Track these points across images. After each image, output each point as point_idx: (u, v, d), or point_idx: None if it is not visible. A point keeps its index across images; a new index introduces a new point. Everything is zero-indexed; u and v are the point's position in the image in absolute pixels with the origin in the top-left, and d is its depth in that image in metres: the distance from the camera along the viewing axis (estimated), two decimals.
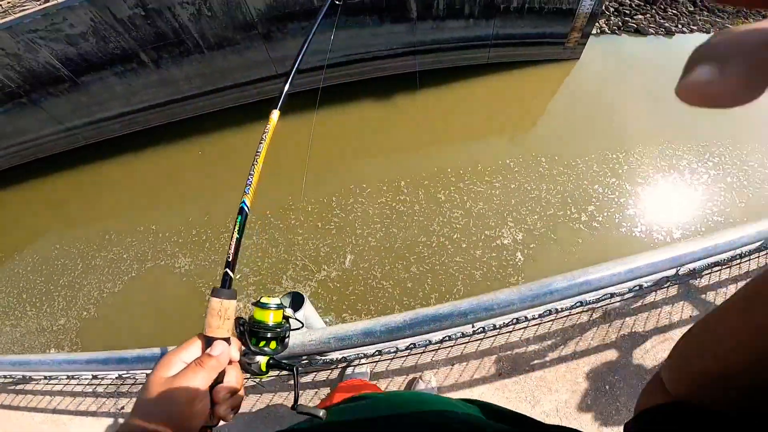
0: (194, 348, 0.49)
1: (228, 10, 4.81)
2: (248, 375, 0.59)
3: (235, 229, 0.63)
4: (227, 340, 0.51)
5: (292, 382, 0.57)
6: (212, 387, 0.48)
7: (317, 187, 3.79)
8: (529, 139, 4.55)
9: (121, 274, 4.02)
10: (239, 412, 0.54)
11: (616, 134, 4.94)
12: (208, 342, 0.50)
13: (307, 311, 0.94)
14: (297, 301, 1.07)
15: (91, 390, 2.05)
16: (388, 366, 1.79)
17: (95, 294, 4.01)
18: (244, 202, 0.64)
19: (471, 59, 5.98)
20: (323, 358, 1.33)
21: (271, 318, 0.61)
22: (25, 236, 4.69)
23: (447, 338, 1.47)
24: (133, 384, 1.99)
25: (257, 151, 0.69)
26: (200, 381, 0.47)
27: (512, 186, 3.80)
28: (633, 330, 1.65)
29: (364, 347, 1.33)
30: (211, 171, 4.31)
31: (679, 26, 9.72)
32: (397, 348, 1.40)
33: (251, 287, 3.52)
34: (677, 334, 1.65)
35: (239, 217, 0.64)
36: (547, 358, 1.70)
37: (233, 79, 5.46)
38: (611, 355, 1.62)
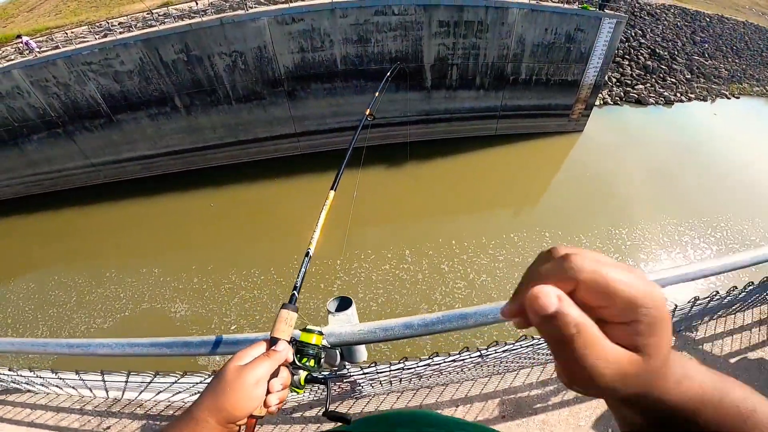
0: (261, 347, 0.60)
1: (260, 65, 5.19)
2: (291, 387, 0.70)
3: (302, 265, 0.88)
4: (288, 342, 0.64)
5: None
6: (270, 378, 0.58)
7: (321, 248, 3.84)
8: (533, 213, 4.65)
9: (114, 311, 4.00)
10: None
11: (620, 209, 5.02)
12: (273, 342, 0.62)
13: (352, 311, 1.09)
14: (345, 304, 1.20)
15: (78, 407, 1.98)
16: (393, 404, 1.80)
17: (82, 328, 3.96)
18: (309, 248, 0.94)
19: (481, 130, 6.28)
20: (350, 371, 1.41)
21: (314, 340, 0.75)
22: (26, 263, 4.75)
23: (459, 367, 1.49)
24: (126, 405, 1.93)
25: (316, 224, 1.02)
26: (266, 368, 0.57)
27: (516, 260, 3.83)
28: None
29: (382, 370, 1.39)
30: (220, 223, 4.42)
31: (678, 95, 10.21)
32: (415, 368, 1.40)
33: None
34: None
35: (305, 259, 0.90)
36: (550, 402, 1.68)
37: (255, 134, 5.76)
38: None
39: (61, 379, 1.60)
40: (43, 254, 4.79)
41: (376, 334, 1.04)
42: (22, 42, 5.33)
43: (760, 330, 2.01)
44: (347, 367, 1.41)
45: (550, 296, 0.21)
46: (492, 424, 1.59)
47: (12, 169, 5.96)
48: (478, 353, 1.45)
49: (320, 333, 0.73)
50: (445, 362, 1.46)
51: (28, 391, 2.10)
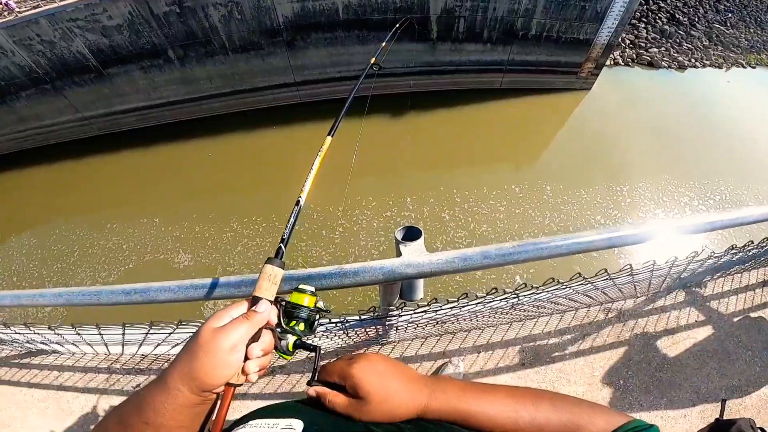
0: (242, 306, 0.55)
1: (258, 14, 4.93)
2: (277, 352, 0.64)
3: (291, 215, 0.76)
4: (271, 302, 0.58)
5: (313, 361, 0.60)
6: (250, 343, 0.54)
7: (324, 196, 3.82)
8: (536, 167, 4.59)
9: (118, 264, 4.03)
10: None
11: (622, 167, 4.97)
12: (254, 301, 0.56)
13: (421, 242, 1.06)
14: (412, 234, 1.12)
15: (105, 366, 2.05)
16: (417, 351, 1.84)
17: (87, 282, 4.01)
18: (300, 197, 0.81)
19: (485, 83, 6.06)
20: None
21: (306, 301, 0.66)
22: (26, 219, 4.75)
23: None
24: (154, 361, 2.00)
25: (311, 169, 0.88)
26: (244, 331, 0.52)
27: (517, 211, 3.83)
28: (645, 330, 1.78)
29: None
30: (219, 171, 4.36)
31: (692, 60, 9.82)
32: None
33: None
34: (683, 336, 1.78)
35: (296, 208, 0.78)
36: (567, 352, 1.81)
37: (252, 83, 5.56)
38: (625, 352, 1.74)
39: (79, 335, 1.59)
40: (41, 209, 4.76)
41: (455, 263, 0.95)
42: (1, 4, 5.00)
43: (763, 291, 2.07)
44: (404, 305, 1.37)
45: (322, 391, 0.49)
46: (512, 371, 1.74)
47: (2, 126, 5.80)
48: (516, 296, 1.46)
49: (313, 293, 0.65)
50: (494, 301, 1.46)
51: (54, 351, 2.11)
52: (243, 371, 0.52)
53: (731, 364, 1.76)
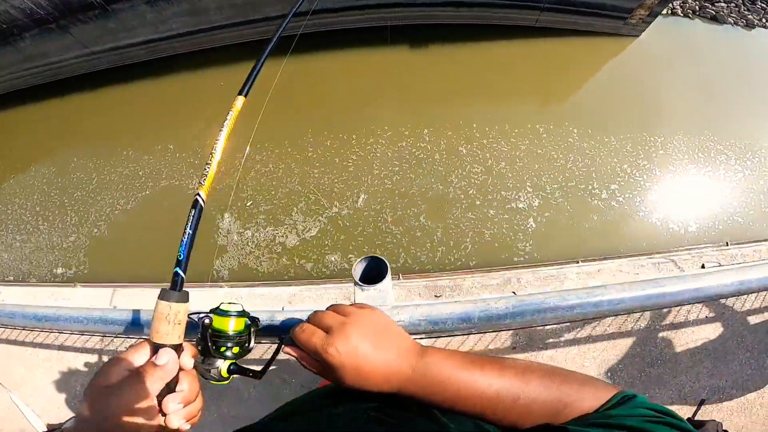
0: (140, 354, 0.45)
1: None
2: (209, 380, 0.55)
3: (188, 225, 0.57)
4: (178, 347, 0.47)
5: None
6: (162, 396, 0.44)
7: (339, 123, 3.67)
8: (564, 108, 4.27)
9: (135, 190, 4.08)
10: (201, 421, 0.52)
11: (660, 118, 4.60)
12: (155, 348, 0.46)
13: (387, 284, 0.80)
14: (375, 269, 0.84)
15: None
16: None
17: (107, 210, 4.08)
18: (199, 194, 0.58)
19: (518, 20, 5.46)
20: None
21: (231, 326, 0.55)
22: (43, 150, 4.82)
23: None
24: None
25: (216, 140, 0.62)
26: (142, 392, 0.43)
27: (538, 151, 3.62)
28: (649, 323, 1.68)
29: None
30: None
31: (763, 20, 8.66)
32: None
33: (261, 215, 3.54)
34: (688, 332, 1.69)
35: (192, 212, 0.58)
36: (562, 339, 1.75)
37: (264, 13, 5.16)
38: (623, 344, 1.67)
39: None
40: (58, 139, 4.80)
41: (420, 326, 0.76)
42: None
43: None
44: None
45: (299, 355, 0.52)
46: (502, 353, 1.67)
47: (8, 65, 5.67)
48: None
49: (241, 314, 0.55)
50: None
51: None
52: (167, 426, 0.44)
53: (725, 365, 1.67)
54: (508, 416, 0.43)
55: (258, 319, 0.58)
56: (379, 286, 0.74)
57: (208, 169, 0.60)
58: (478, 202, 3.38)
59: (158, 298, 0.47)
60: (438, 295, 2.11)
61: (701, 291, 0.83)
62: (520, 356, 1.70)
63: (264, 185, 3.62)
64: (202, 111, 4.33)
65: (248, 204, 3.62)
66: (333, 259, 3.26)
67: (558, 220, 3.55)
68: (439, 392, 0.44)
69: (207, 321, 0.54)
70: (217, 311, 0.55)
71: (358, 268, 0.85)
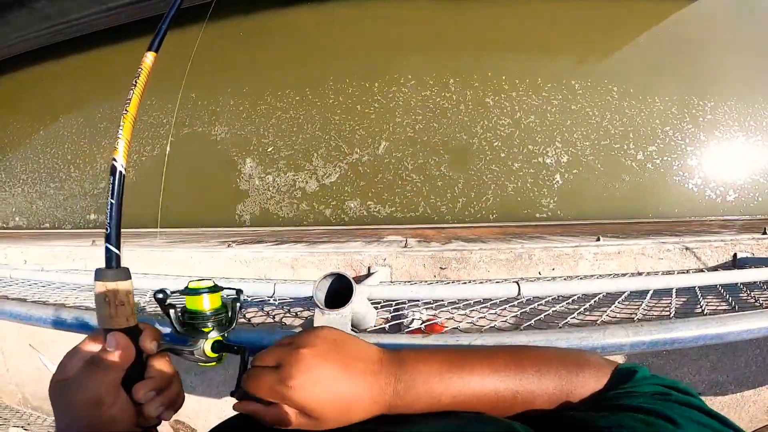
0: (96, 342, 0.41)
1: None
2: (199, 364, 0.51)
3: (110, 195, 0.49)
4: (131, 329, 0.43)
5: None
6: (131, 385, 0.41)
7: (361, 70, 3.55)
8: (604, 64, 3.95)
9: (160, 138, 4.18)
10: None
11: (712, 81, 4.21)
12: (106, 333, 0.42)
13: (358, 306, 0.69)
14: (338, 288, 0.73)
15: None
16: None
17: (135, 157, 4.21)
18: (115, 159, 0.48)
19: None
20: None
21: (206, 305, 0.50)
22: (68, 101, 4.92)
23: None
24: None
25: (127, 99, 0.52)
26: (99, 382, 0.39)
27: (572, 107, 3.40)
28: (660, 314, 1.52)
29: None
30: (250, 48, 4.15)
31: None
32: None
33: (282, 161, 3.55)
34: None
35: (112, 179, 0.49)
36: (565, 323, 1.58)
37: None
38: None
39: None
40: (81, 90, 4.89)
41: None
42: None
43: None
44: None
45: (258, 410, 0.41)
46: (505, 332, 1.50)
47: (26, 26, 5.73)
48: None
49: (213, 289, 0.50)
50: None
51: None
52: (145, 416, 0.41)
53: (731, 360, 1.52)
54: (508, 413, 0.39)
55: (241, 290, 0.55)
56: (343, 311, 0.65)
57: (120, 132, 0.50)
58: (503, 155, 3.24)
59: (94, 279, 0.43)
60: (443, 267, 2.02)
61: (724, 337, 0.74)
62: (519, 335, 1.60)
63: (285, 131, 3.61)
64: (220, 59, 4.30)
65: (269, 150, 3.63)
66: (352, 205, 3.25)
67: (586, 178, 3.37)
68: (434, 404, 0.38)
69: (178, 304, 0.51)
70: (186, 291, 0.50)
71: (321, 287, 0.72)
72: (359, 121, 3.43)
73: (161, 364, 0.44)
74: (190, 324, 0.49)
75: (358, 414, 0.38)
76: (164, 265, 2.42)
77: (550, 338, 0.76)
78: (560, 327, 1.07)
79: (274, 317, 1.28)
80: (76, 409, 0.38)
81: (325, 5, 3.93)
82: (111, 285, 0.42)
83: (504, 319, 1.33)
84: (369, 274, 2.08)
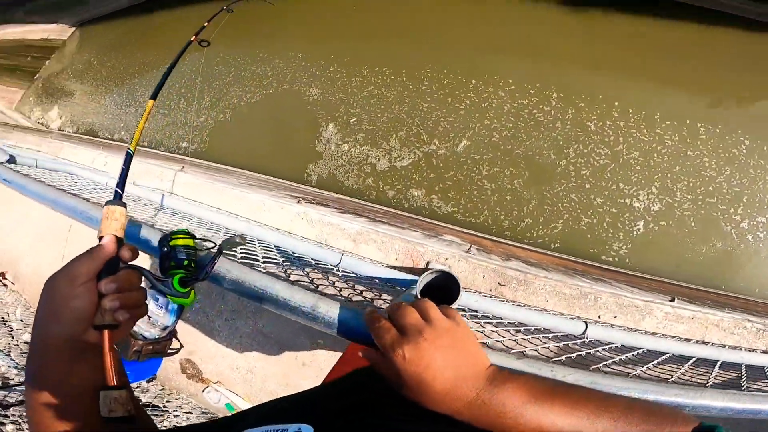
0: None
1: None
2: (175, 300, 0.67)
3: (123, 164, 0.74)
4: (118, 239, 0.54)
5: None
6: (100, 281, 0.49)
7: (462, 64, 3.41)
8: (742, 114, 3.36)
9: (262, 88, 4.47)
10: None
11: None
12: (99, 240, 0.54)
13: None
14: (443, 286, 0.72)
15: None
16: None
17: (235, 101, 4.60)
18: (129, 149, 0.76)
19: (732, 8, 4.15)
20: None
21: (180, 242, 0.63)
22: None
23: None
24: None
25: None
26: (81, 264, 0.47)
27: (687, 153, 2.97)
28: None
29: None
30: (360, 21, 4.21)
31: None
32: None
33: (361, 134, 3.62)
34: None
35: (126, 158, 0.75)
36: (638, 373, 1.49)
37: None
38: None
39: None
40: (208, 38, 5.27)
41: None
42: None
43: None
44: None
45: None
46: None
47: None
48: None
49: (186, 234, 0.62)
50: None
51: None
52: (102, 308, 0.47)
53: None
54: None
55: (221, 247, 0.66)
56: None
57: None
58: (587, 186, 2.98)
59: (104, 204, 0.58)
60: (502, 284, 1.95)
61: None
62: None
63: (373, 106, 3.66)
64: (329, 26, 4.41)
65: (352, 120, 3.72)
66: (416, 194, 3.25)
67: (673, 233, 3.00)
68: (496, 425, 0.39)
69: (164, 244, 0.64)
70: (174, 232, 0.64)
71: (425, 278, 0.76)
72: (446, 114, 3.35)
73: (130, 274, 0.51)
74: (164, 261, 0.62)
75: (427, 398, 0.42)
76: (238, 206, 2.64)
77: (639, 387, 0.75)
78: (630, 377, 1.04)
79: (340, 290, 1.36)
80: (59, 284, 0.46)
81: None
82: (111, 206, 0.57)
83: (554, 354, 1.30)
84: (426, 269, 2.10)
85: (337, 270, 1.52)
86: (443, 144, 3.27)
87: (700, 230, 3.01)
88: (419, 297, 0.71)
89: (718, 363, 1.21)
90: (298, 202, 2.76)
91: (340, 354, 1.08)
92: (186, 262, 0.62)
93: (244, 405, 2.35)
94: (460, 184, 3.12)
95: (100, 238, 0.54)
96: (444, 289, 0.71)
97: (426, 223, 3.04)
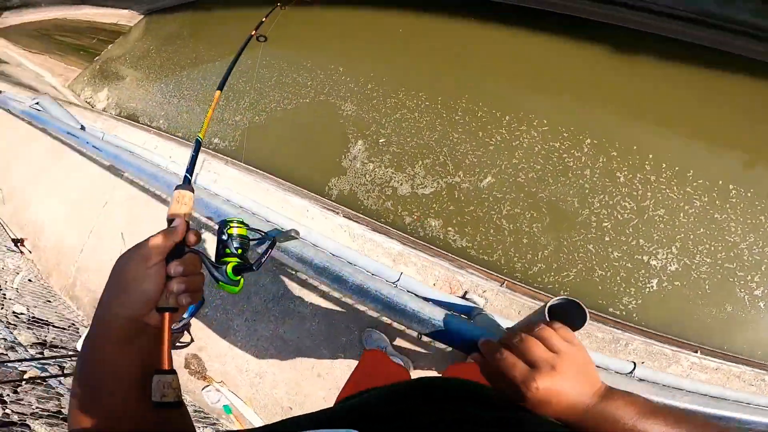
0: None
1: None
2: (225, 288, 0.56)
3: (193, 150, 0.72)
4: (186, 223, 0.51)
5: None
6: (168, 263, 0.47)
7: (498, 98, 3.12)
8: None
9: (299, 96, 4.35)
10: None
11: None
12: (168, 223, 0.51)
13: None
14: (566, 312, 0.72)
15: None
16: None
17: (272, 105, 4.46)
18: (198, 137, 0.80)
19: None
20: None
21: (234, 231, 0.58)
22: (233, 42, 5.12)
23: None
24: None
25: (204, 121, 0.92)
26: (156, 242, 0.45)
27: (714, 215, 2.67)
28: None
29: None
30: (406, 46, 3.97)
31: None
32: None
33: (388, 155, 3.40)
34: None
35: (195, 145, 0.75)
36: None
37: None
38: None
39: None
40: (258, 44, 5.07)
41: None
42: None
43: None
44: None
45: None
46: None
47: None
48: None
49: (241, 223, 0.59)
50: None
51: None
52: (168, 291, 0.43)
53: None
54: None
55: (274, 240, 0.75)
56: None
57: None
58: (607, 239, 2.74)
59: (174, 188, 0.54)
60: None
61: None
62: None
63: (404, 129, 3.46)
64: (372, 45, 4.15)
65: (381, 140, 3.50)
66: (433, 224, 3.08)
67: (685, 294, 2.76)
68: None
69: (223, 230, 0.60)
70: (230, 220, 0.61)
71: (553, 303, 0.72)
72: (475, 147, 3.13)
73: (193, 258, 0.49)
74: (219, 248, 0.57)
75: (549, 412, 0.43)
76: (284, 208, 2.52)
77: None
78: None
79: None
80: (133, 262, 0.42)
81: (496, 26, 3.40)
82: (182, 191, 0.54)
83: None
84: (464, 297, 2.02)
85: (396, 286, 1.45)
86: (468, 177, 3.05)
87: (713, 294, 2.77)
88: (547, 319, 0.71)
89: None
90: (336, 213, 2.63)
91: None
92: (240, 251, 0.58)
93: (244, 408, 2.19)
94: (478, 220, 2.93)
95: (170, 221, 0.51)
96: (563, 314, 0.72)
97: (446, 254, 2.86)
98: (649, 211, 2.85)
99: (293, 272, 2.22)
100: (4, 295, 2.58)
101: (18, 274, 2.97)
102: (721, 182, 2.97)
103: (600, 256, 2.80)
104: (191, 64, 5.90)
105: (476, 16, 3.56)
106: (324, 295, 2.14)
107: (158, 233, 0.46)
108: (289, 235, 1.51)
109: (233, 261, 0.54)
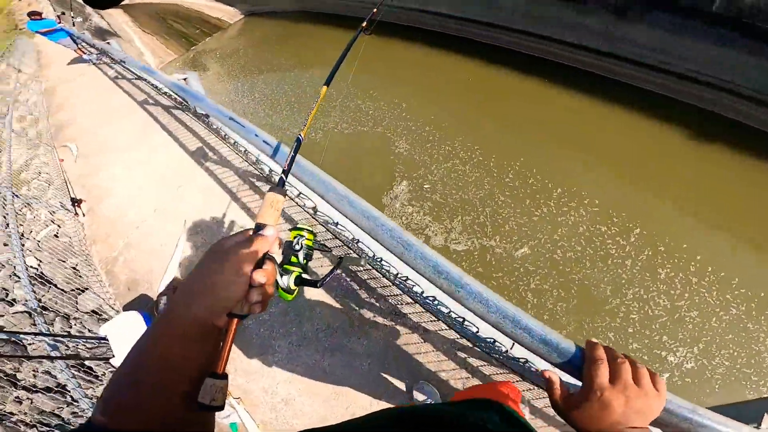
0: (246, 235, 0.43)
1: None
2: (282, 295, 0.49)
3: (291, 150, 0.63)
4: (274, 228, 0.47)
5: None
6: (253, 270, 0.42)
7: (554, 168, 2.77)
8: None
9: (358, 123, 4.15)
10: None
11: None
12: (258, 228, 0.44)
13: None
14: None
15: None
16: None
17: (330, 125, 4.26)
18: (300, 135, 0.67)
19: None
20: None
21: (304, 241, 0.57)
22: (299, 64, 4.92)
23: None
24: None
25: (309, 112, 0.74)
26: (249, 250, 0.39)
27: (747, 325, 2.38)
28: None
29: None
30: (468, 95, 3.56)
31: None
32: None
33: (429, 203, 3.29)
34: None
35: (295, 144, 0.65)
36: None
37: (557, 33, 3.67)
38: None
39: None
40: (305, 61, 4.71)
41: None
42: None
43: None
44: None
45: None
46: None
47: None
48: None
49: (311, 232, 0.59)
50: None
51: None
52: (246, 299, 0.38)
53: None
54: None
55: (341, 259, 0.77)
56: None
57: (305, 123, 0.71)
58: (630, 330, 2.55)
59: (268, 191, 0.50)
60: None
61: None
62: None
63: (452, 180, 3.26)
64: (439, 89, 3.84)
65: (426, 186, 3.30)
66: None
67: (693, 390, 2.54)
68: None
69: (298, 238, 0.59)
70: (294, 228, 0.59)
71: None
72: (519, 215, 2.89)
73: (273, 269, 0.44)
74: (287, 252, 0.54)
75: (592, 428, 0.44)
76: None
77: None
78: None
79: None
80: (227, 266, 0.38)
81: (570, 91, 2.91)
82: (277, 195, 0.48)
83: None
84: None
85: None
86: (504, 243, 2.86)
87: (721, 392, 2.53)
88: None
89: None
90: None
91: None
92: (305, 262, 0.56)
93: (254, 430, 1.75)
94: (503, 288, 2.79)
95: (260, 226, 0.44)
96: None
97: None
98: (681, 311, 2.65)
99: (356, 309, 1.95)
100: (23, 244, 2.23)
101: (47, 227, 2.55)
102: (763, 293, 2.59)
103: (618, 346, 2.68)
104: (269, 69, 5.73)
105: (548, 77, 3.07)
106: (385, 338, 1.81)
107: (252, 238, 0.41)
108: (356, 259, 1.40)
109: (297, 271, 0.51)
